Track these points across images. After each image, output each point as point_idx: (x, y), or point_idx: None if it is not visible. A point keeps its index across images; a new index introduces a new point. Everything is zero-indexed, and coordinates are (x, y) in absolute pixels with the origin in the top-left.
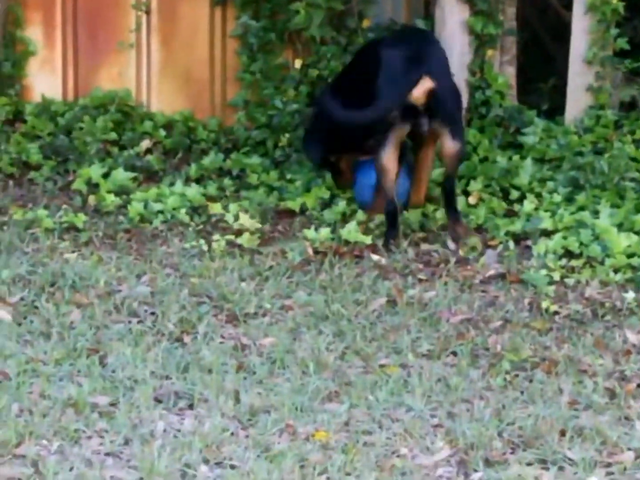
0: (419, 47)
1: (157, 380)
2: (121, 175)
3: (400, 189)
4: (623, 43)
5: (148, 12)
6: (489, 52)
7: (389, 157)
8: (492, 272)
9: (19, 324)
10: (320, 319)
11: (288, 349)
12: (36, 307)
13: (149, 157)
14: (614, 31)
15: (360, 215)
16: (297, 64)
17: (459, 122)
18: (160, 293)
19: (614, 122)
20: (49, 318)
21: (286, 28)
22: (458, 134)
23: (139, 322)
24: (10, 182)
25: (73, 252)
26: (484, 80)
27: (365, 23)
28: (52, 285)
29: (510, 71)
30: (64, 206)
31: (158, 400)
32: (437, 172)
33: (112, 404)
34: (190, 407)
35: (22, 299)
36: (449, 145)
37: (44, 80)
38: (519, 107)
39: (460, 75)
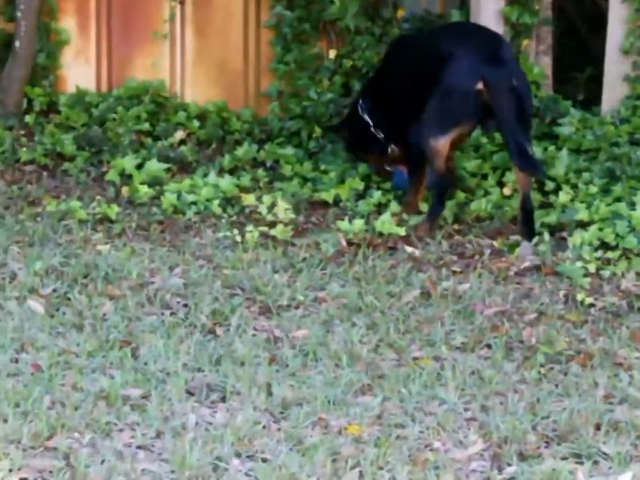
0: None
1: (189, 373)
2: (154, 166)
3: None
4: None
5: (182, 2)
6: (525, 42)
7: (445, 145)
8: (527, 264)
9: (52, 316)
10: (353, 311)
11: (321, 341)
12: (69, 299)
13: (183, 148)
14: None
15: (395, 206)
16: (332, 54)
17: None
18: (192, 285)
19: None
20: (82, 310)
21: (320, 18)
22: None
23: (171, 314)
24: (44, 173)
25: (106, 243)
26: None
27: (400, 13)
28: (85, 277)
29: (546, 61)
30: (98, 197)
31: (190, 393)
32: (474, 164)
33: (144, 397)
34: (223, 399)
35: (54, 290)
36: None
37: (78, 71)
38: (554, 97)
39: None
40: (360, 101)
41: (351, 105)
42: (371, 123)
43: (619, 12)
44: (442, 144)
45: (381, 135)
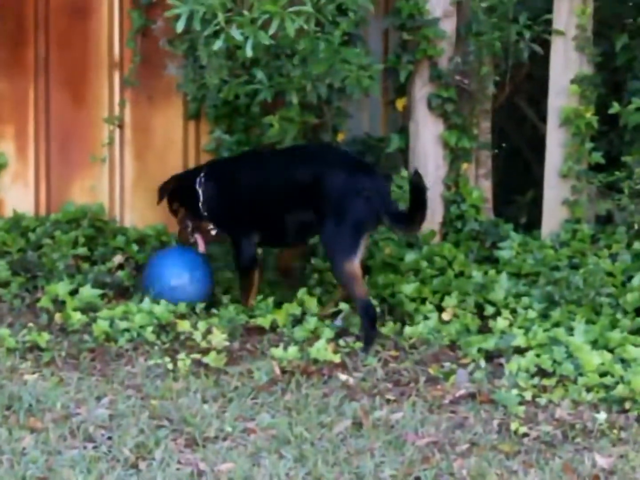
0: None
1: None
2: (89, 292)
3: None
4: (598, 157)
5: (121, 126)
6: (464, 166)
7: (358, 264)
8: (462, 391)
9: None
10: (282, 442)
11: (247, 475)
12: None
13: (120, 272)
14: (588, 145)
15: (329, 333)
16: None
17: None
18: (119, 416)
19: (590, 236)
20: (1, 444)
21: (260, 142)
22: None
23: (94, 447)
24: None
25: (34, 372)
26: (459, 194)
27: (340, 137)
28: (8, 408)
29: (486, 185)
30: (30, 324)
31: None
32: (413, 287)
33: None
34: None
35: None
36: None
37: (16, 195)
38: (495, 221)
39: (435, 189)
40: (203, 177)
41: (193, 172)
42: (201, 199)
43: (556, 137)
44: (357, 265)
45: (205, 214)
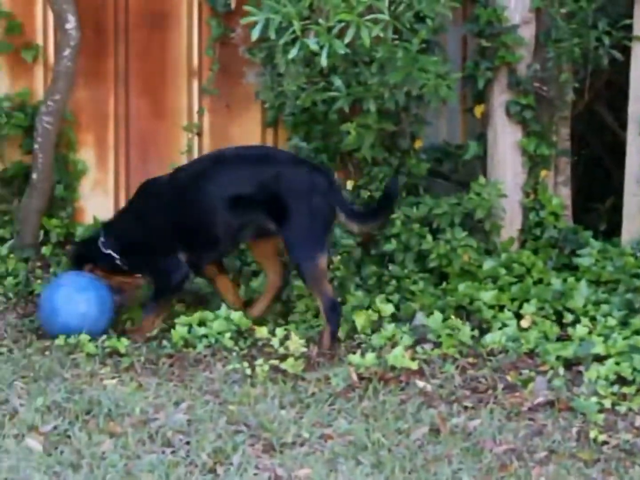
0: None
1: None
2: None
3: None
4: None
5: (200, 134)
6: (543, 173)
7: (326, 262)
8: (540, 399)
9: (49, 455)
10: (359, 449)
11: None
12: (69, 437)
13: (197, 279)
14: None
15: (407, 339)
16: (349, 185)
17: None
18: (197, 421)
19: None
20: (80, 448)
21: (337, 149)
22: None
23: (172, 452)
24: None
25: (113, 378)
26: (538, 202)
27: (418, 144)
28: (88, 413)
29: (565, 192)
30: (109, 330)
31: None
32: (491, 295)
33: None
34: None
35: (55, 427)
36: None
37: (96, 202)
38: (574, 228)
39: (513, 196)
40: (103, 239)
41: (89, 241)
42: (117, 257)
43: (636, 143)
44: (325, 262)
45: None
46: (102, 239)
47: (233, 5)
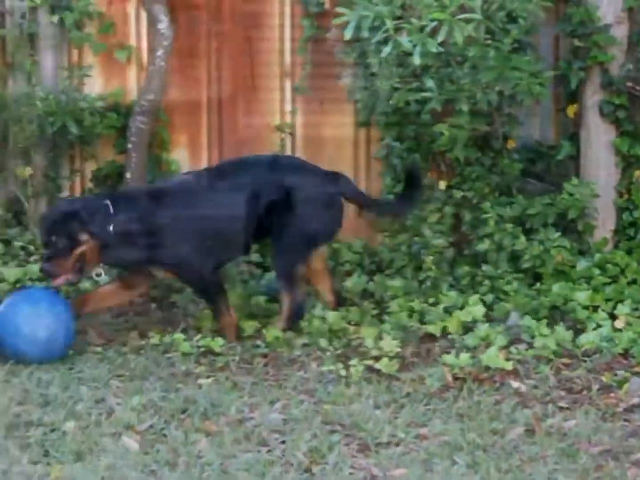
0: None
1: None
2: (261, 298)
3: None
4: None
5: (292, 134)
6: (637, 173)
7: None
8: (636, 400)
9: (146, 453)
10: (455, 449)
11: None
12: (164, 435)
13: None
14: None
15: (501, 340)
16: (442, 185)
17: None
18: (292, 421)
19: None
20: (177, 447)
21: (430, 149)
22: None
23: (268, 451)
24: (152, 305)
25: (208, 377)
26: (631, 202)
27: (511, 144)
28: (183, 412)
29: None
30: (203, 329)
31: None
32: (585, 295)
33: None
34: None
35: (151, 426)
36: None
37: None
38: None
39: (606, 196)
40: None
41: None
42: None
43: None
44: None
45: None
46: None
47: (326, 5)
